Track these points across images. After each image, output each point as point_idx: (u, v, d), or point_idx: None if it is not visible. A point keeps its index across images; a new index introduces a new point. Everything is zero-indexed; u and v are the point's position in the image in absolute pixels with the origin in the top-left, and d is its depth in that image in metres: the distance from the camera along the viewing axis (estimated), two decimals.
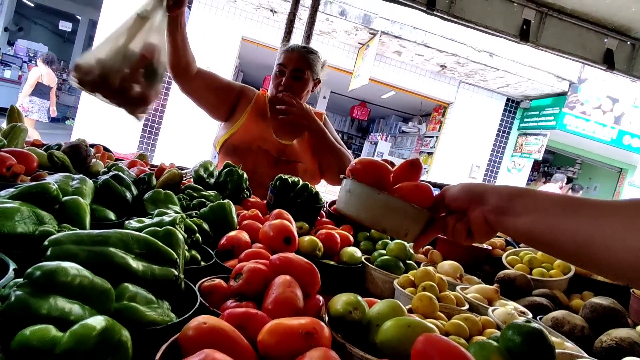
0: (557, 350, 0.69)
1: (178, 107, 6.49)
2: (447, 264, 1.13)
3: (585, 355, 0.71)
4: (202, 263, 0.79)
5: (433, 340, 0.45)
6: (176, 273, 0.57)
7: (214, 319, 0.45)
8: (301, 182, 1.35)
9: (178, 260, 0.58)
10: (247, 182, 1.41)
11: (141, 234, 0.59)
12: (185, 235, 0.78)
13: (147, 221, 0.78)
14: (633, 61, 3.37)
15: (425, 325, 0.56)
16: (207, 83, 1.80)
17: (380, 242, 1.22)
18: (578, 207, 0.50)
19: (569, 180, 9.05)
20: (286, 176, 1.35)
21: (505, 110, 7.53)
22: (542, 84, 6.59)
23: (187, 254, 0.72)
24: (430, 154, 8.31)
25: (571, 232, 0.48)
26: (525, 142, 7.31)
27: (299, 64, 1.78)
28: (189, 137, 6.48)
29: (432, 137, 8.43)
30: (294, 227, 1.06)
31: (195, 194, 1.19)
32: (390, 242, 1.15)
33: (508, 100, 7.49)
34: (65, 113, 11.97)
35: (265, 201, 1.41)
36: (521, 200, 0.55)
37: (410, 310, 0.81)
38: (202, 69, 1.77)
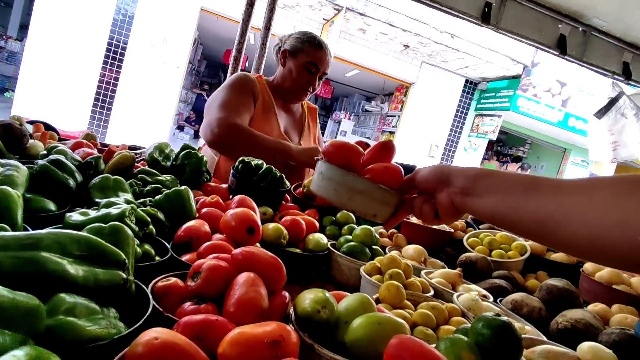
0: (526, 337, 0.70)
1: (132, 79, 6.07)
2: (412, 248, 1.13)
3: (545, 338, 0.73)
4: (157, 258, 0.72)
5: (406, 343, 0.43)
6: (124, 276, 0.50)
7: (167, 332, 0.40)
8: (265, 166, 1.29)
9: (127, 260, 0.52)
10: (207, 165, 1.33)
11: (82, 233, 0.52)
12: (137, 229, 0.71)
13: (92, 214, 0.70)
14: (583, 47, 3.52)
15: (396, 322, 0.54)
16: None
17: (346, 227, 1.20)
18: (538, 186, 0.51)
19: (519, 159, 9.58)
20: (249, 159, 1.28)
21: (463, 91, 7.73)
22: (499, 66, 6.80)
23: (138, 250, 0.66)
24: (392, 133, 8.42)
25: (533, 211, 0.50)
26: (482, 123, 7.59)
27: (328, 67, 1.72)
28: (145, 114, 6.10)
29: (394, 116, 8.53)
30: (257, 214, 1.00)
31: (149, 179, 1.10)
32: (356, 227, 1.13)
33: (467, 81, 7.69)
34: (4, 84, 10.85)
35: (227, 185, 1.34)
36: (484, 181, 0.57)
37: (377, 300, 0.80)
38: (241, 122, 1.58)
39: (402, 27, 6.33)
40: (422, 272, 0.99)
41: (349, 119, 10.54)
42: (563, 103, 7.01)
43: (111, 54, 5.96)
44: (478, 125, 7.73)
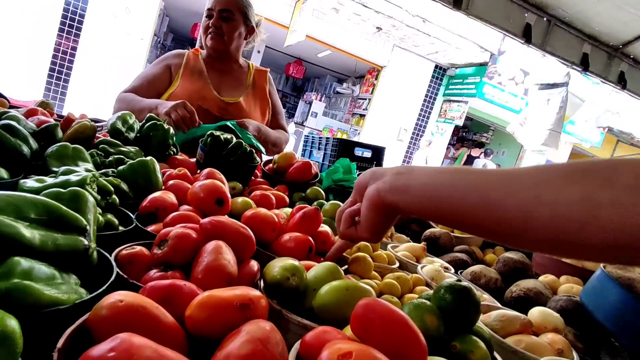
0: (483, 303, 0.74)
1: (92, 50, 5.69)
2: None
3: (499, 305, 0.77)
4: (121, 228, 0.70)
5: (373, 305, 0.44)
6: (86, 242, 0.48)
7: (133, 295, 0.39)
8: (234, 140, 1.26)
9: (88, 227, 0.50)
10: (174, 138, 1.28)
11: (39, 196, 0.49)
12: (99, 197, 0.68)
13: (50, 181, 0.66)
14: (547, 37, 3.65)
15: (363, 288, 0.56)
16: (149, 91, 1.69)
17: (315, 202, 1.20)
18: (469, 174, 0.44)
19: (482, 145, 9.93)
20: (218, 133, 1.25)
21: (433, 76, 7.85)
22: (468, 53, 6.95)
23: (100, 218, 0.63)
24: (362, 115, 8.47)
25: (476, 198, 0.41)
26: (449, 108, 7.78)
27: (227, 5, 1.69)
28: (107, 86, 5.75)
29: (365, 99, 8.56)
30: (226, 187, 0.99)
31: (111, 150, 1.04)
32: (325, 202, 1.14)
33: (436, 67, 7.80)
34: None
35: (195, 159, 1.30)
36: (412, 173, 0.50)
37: (346, 271, 0.81)
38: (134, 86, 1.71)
39: (375, 9, 6.29)
40: (389, 246, 1.02)
41: (320, 100, 10.48)
42: (525, 91, 7.29)
43: (67, 21, 5.55)
44: (446, 110, 7.91)
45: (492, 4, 3.39)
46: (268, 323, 0.40)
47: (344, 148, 2.76)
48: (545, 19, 3.57)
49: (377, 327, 0.42)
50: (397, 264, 0.92)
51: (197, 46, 2.35)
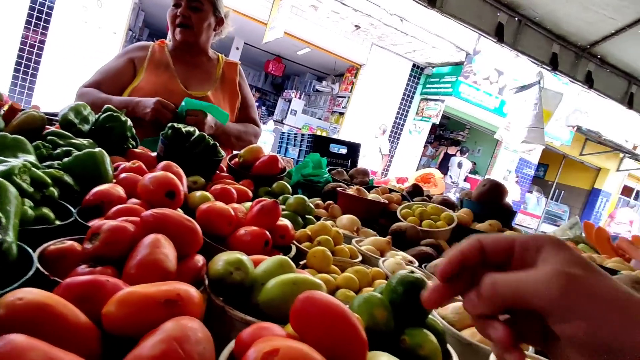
0: None
1: (61, 44, 5.46)
2: (345, 218, 1.14)
3: (459, 297, 0.76)
4: (57, 222, 0.65)
5: (313, 298, 0.41)
6: (0, 236, 0.44)
7: (38, 292, 0.35)
8: (197, 132, 1.21)
9: (4, 219, 0.45)
10: (134, 131, 1.22)
11: None
12: (31, 189, 0.63)
13: None
14: (518, 36, 3.73)
15: (312, 281, 0.53)
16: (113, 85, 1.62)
17: (281, 197, 1.17)
18: None
19: (458, 143, 10.12)
20: (179, 125, 1.20)
21: (411, 75, 7.93)
22: (444, 52, 7.04)
23: (30, 212, 0.58)
24: (342, 113, 8.48)
25: None
26: (426, 107, 7.87)
27: None
28: (78, 82, 5.52)
29: (344, 97, 8.57)
30: (183, 181, 0.95)
31: (61, 142, 0.98)
32: (290, 197, 1.11)
33: (414, 65, 7.88)
34: None
35: (155, 153, 1.25)
36: None
37: (305, 266, 0.79)
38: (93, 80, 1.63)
39: (354, 7, 6.30)
40: (353, 240, 1.00)
41: (300, 98, 10.43)
42: (499, 91, 7.46)
43: (35, 14, 5.31)
44: (423, 109, 8.01)
45: (465, 3, 3.43)
46: (193, 320, 0.37)
47: (319, 144, 2.74)
48: (516, 18, 3.63)
49: (316, 322, 0.40)
50: (360, 258, 0.90)
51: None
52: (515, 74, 7.60)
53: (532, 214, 10.00)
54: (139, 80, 1.64)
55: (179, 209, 0.79)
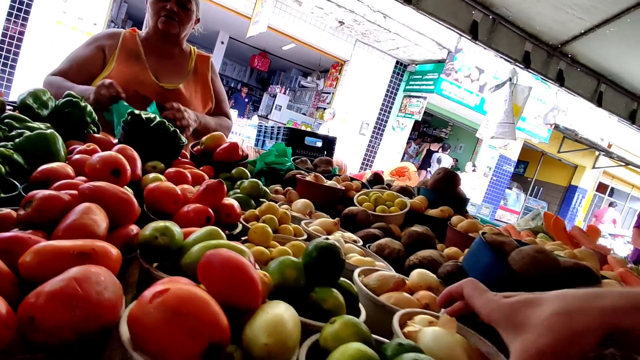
0: (366, 267, 0.79)
1: (40, 35, 5.37)
2: (300, 202, 1.19)
3: (387, 270, 0.82)
4: (1, 195, 0.68)
5: (216, 253, 0.46)
6: None
7: None
8: (157, 119, 1.25)
9: None
10: (94, 116, 1.25)
11: None
12: None
13: None
14: (493, 34, 3.82)
15: (235, 247, 0.58)
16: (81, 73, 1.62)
17: (239, 182, 1.22)
18: None
19: (441, 140, 10.27)
20: (139, 111, 1.23)
21: (394, 72, 8.02)
22: (426, 50, 7.14)
23: None
24: (326, 109, 8.53)
25: None
26: (409, 104, 7.97)
27: None
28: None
29: (329, 93, 8.62)
30: (137, 163, 0.98)
31: (17, 125, 1.01)
32: (245, 181, 1.15)
33: (397, 62, 7.97)
34: None
35: (116, 140, 1.28)
36: None
37: (246, 241, 0.83)
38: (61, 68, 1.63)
39: (337, 3, 6.34)
40: (302, 222, 1.05)
41: (285, 93, 10.43)
42: (480, 88, 7.60)
43: (16, 5, 5.21)
44: (406, 105, 8.11)
45: (440, 1, 3.51)
46: (100, 268, 0.41)
47: (295, 137, 2.78)
48: (490, 17, 3.73)
49: (217, 272, 0.45)
50: (304, 237, 0.95)
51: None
52: (495, 72, 7.76)
53: (512, 210, 10.24)
54: (109, 70, 1.65)
55: (126, 187, 0.83)
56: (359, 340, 0.44)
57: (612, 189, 12.14)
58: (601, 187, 11.52)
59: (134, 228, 0.64)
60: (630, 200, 12.57)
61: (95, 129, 1.26)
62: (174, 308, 0.36)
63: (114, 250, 0.47)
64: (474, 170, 8.59)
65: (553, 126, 8.19)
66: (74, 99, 1.18)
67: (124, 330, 0.39)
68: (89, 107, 1.21)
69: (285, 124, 9.49)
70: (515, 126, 4.54)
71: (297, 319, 0.44)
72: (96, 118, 1.27)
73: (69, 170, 0.81)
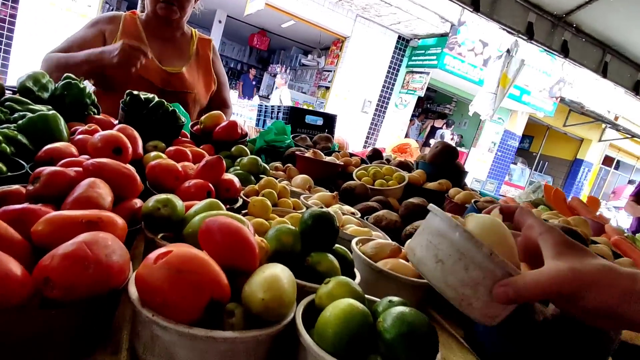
0: (363, 237, 0.82)
1: (33, 18, 5.31)
2: (300, 178, 1.22)
3: (388, 241, 0.85)
4: (9, 174, 0.71)
5: (216, 220, 0.49)
6: None
7: None
8: (156, 99, 1.26)
9: None
10: (93, 97, 1.27)
11: None
12: None
13: None
14: (495, 5, 3.73)
15: (234, 215, 0.61)
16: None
17: (239, 159, 1.24)
18: None
19: (445, 116, 10.18)
20: (137, 92, 1.24)
21: (396, 47, 7.88)
22: (429, 23, 6.99)
23: None
24: (328, 88, 8.44)
25: None
26: (412, 80, 7.87)
27: None
28: None
29: (331, 71, 8.50)
30: (138, 141, 1.01)
31: (18, 107, 1.03)
32: (245, 157, 1.18)
33: (399, 37, 7.82)
34: None
35: (117, 120, 1.30)
36: None
37: (246, 214, 0.86)
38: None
39: None
40: (302, 197, 1.08)
41: (286, 72, 10.31)
42: (484, 62, 7.46)
43: None
44: (408, 82, 8.00)
45: None
46: (108, 234, 0.44)
47: (295, 116, 2.78)
48: None
49: (216, 237, 0.48)
50: (304, 210, 0.98)
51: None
52: (500, 45, 7.60)
53: (517, 185, 10.23)
54: None
55: (128, 164, 0.86)
56: (353, 297, 0.47)
57: (618, 162, 12.05)
58: (607, 160, 11.44)
59: (137, 202, 0.67)
60: (635, 172, 12.50)
61: (96, 111, 1.28)
62: (176, 267, 0.39)
63: (119, 220, 0.50)
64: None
65: (559, 99, 8.07)
66: (73, 81, 1.19)
67: (133, 290, 0.42)
68: (88, 88, 1.22)
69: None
70: (500, 97, 4.49)
71: (292, 278, 0.47)
72: (95, 100, 1.28)
73: (73, 149, 0.83)
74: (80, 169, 0.67)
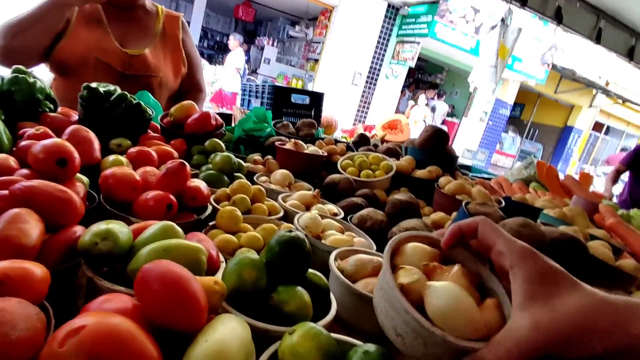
0: (343, 249, 0.74)
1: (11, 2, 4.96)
2: (279, 173, 1.13)
3: (367, 249, 0.78)
4: None
5: (153, 267, 0.41)
6: None
7: None
8: (118, 91, 1.14)
9: None
10: (48, 91, 1.14)
11: None
12: None
13: None
14: None
15: (188, 247, 0.52)
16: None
17: (212, 155, 1.14)
18: None
19: (436, 86, 9.99)
20: (96, 84, 1.12)
21: (386, 16, 7.60)
22: None
23: None
24: (316, 60, 8.18)
25: None
26: (402, 50, 7.64)
27: None
28: None
29: (319, 42, 8.21)
30: (94, 145, 0.90)
31: None
32: (218, 154, 1.08)
33: (389, 5, 7.53)
34: None
35: (76, 117, 1.18)
36: None
37: (214, 226, 0.78)
38: None
39: None
40: (280, 197, 1.00)
41: (274, 45, 9.96)
42: (476, 30, 7.25)
43: None
44: (399, 52, 7.78)
45: None
46: (6, 303, 0.36)
47: (280, 95, 2.65)
48: None
49: (154, 288, 0.39)
50: (281, 214, 0.90)
51: None
52: (492, 12, 7.35)
53: (507, 154, 10.23)
54: (66, 37, 1.50)
55: (79, 175, 0.76)
56: (320, 355, 0.40)
57: (608, 127, 12.07)
58: (597, 126, 11.44)
59: (77, 230, 0.57)
60: (626, 137, 12.54)
61: (52, 107, 1.16)
62: (89, 350, 0.31)
63: (38, 270, 0.42)
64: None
65: (550, 66, 7.93)
66: (20, 75, 1.07)
67: None
68: (39, 83, 1.10)
69: (275, 79, 9.16)
70: (501, 69, 4.36)
71: (246, 338, 0.40)
72: (51, 93, 1.16)
73: (11, 162, 0.73)
74: (7, 192, 0.57)
